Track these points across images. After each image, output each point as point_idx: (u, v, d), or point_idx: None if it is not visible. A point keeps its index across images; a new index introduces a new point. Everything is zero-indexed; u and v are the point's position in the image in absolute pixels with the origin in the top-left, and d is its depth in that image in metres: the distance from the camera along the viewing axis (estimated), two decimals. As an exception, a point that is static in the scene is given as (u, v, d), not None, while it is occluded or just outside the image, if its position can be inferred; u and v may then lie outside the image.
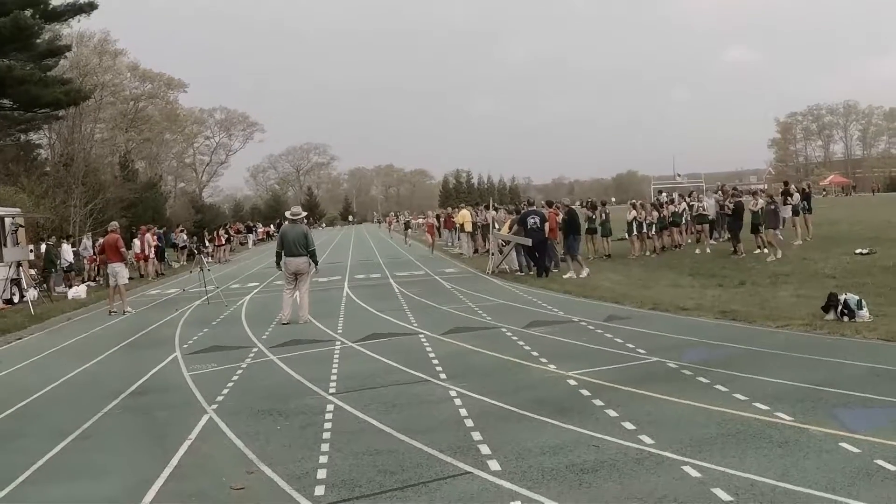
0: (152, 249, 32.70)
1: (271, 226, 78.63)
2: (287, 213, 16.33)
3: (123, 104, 67.41)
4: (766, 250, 22.10)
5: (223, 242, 44.74)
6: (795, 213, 24.95)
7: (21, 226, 22.47)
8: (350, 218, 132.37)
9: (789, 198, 23.80)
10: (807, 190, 27.35)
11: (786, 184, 27.07)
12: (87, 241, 31.44)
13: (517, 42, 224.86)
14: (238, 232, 58.57)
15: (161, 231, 38.42)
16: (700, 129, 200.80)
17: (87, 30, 57.33)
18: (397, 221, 77.05)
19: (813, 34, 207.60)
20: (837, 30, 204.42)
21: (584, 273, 20.33)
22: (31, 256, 24.11)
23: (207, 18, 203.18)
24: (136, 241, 32.54)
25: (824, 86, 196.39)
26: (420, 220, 62.14)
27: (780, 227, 20.70)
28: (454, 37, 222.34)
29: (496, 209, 29.48)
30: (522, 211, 23.75)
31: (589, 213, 26.59)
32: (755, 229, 22.51)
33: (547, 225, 21.51)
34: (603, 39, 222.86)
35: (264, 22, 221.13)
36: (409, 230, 54.64)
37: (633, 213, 25.54)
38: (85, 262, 30.28)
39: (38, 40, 40.27)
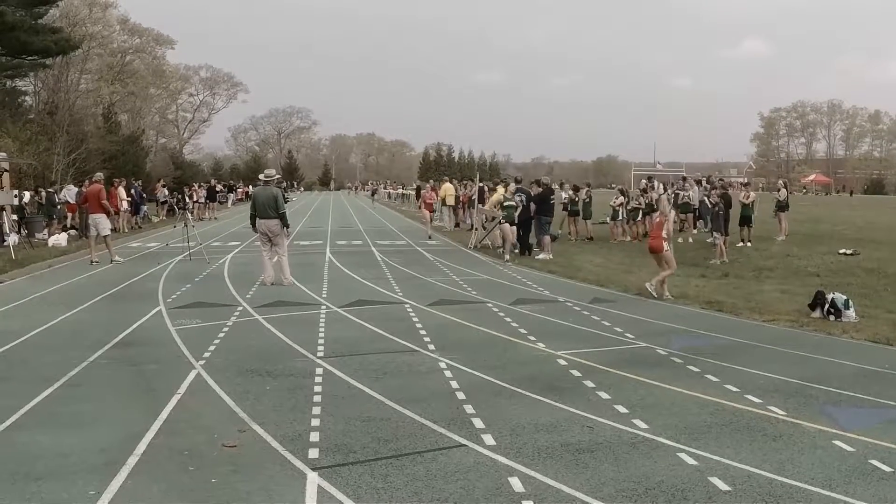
0: (123, 203, 32.22)
1: (250, 186, 78.16)
2: (261, 176, 16.43)
3: (111, 56, 66.52)
4: (749, 243, 22.27)
5: (195, 199, 44.07)
6: (781, 208, 25.17)
7: (6, 170, 22.14)
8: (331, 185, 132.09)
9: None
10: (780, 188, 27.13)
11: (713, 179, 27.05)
12: (71, 189, 31.04)
13: (514, 20, 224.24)
14: (220, 190, 57.65)
15: (138, 184, 37.99)
16: (683, 118, 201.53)
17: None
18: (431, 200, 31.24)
19: (813, 34, 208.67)
20: (834, 31, 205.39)
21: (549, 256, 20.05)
22: (16, 202, 23.79)
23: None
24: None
25: (818, 86, 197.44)
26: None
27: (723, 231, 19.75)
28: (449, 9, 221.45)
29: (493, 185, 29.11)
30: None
31: (572, 194, 26.59)
32: (744, 221, 22.66)
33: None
34: (600, 23, 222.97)
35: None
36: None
37: (621, 198, 25.53)
38: (66, 210, 29.93)
39: (31, -14, 39.64)
